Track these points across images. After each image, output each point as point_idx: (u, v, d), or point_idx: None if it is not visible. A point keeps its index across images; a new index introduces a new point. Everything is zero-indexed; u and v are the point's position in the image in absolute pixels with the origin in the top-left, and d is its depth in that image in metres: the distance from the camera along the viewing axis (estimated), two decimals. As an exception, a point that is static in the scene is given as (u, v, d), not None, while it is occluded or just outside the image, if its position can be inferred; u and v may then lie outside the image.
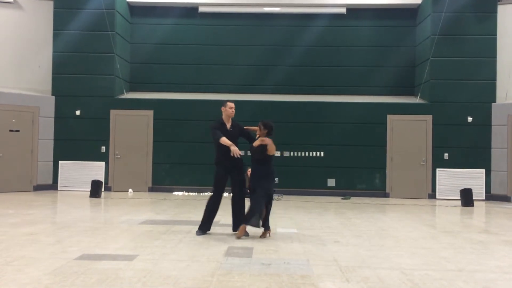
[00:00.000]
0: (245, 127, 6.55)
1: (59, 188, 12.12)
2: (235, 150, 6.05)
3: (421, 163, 12.01)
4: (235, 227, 6.33)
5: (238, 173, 6.33)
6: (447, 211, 9.65)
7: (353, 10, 13.02)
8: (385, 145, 12.14)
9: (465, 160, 11.87)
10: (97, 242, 5.63)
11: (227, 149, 6.13)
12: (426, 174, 11.98)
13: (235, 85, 12.95)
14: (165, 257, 4.93)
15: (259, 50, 13.16)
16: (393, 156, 12.11)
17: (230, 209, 6.43)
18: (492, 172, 11.78)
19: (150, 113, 12.37)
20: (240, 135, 6.48)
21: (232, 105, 6.46)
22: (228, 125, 6.39)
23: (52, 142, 12.24)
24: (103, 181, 11.63)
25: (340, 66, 13.06)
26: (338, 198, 11.57)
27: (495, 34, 11.95)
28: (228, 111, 6.40)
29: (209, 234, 6.35)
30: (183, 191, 12.08)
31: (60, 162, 12.17)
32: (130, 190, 12.08)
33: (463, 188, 10.81)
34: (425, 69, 12.18)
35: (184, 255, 5.03)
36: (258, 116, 6.35)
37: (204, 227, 6.34)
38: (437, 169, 11.92)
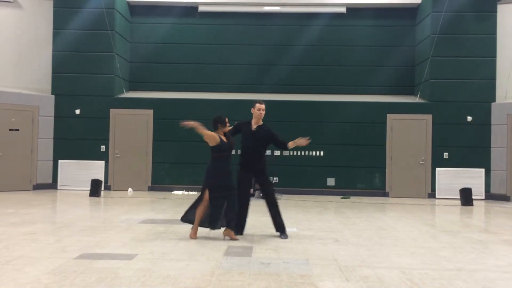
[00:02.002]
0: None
1: (58, 187, 12.12)
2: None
3: (421, 162, 12.01)
4: (277, 228, 6.24)
5: (262, 176, 6.22)
6: (447, 211, 9.65)
7: (353, 10, 13.02)
8: (385, 145, 12.14)
9: (464, 159, 11.87)
10: (96, 242, 5.63)
11: (246, 148, 6.10)
12: (426, 173, 11.98)
13: (235, 84, 12.95)
14: (165, 256, 4.93)
15: (259, 49, 13.17)
16: (392, 156, 12.11)
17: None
18: (491, 171, 11.78)
19: (150, 112, 12.37)
20: (267, 140, 6.18)
21: (261, 106, 6.18)
22: (254, 126, 6.21)
23: (51, 141, 12.24)
24: (102, 180, 11.64)
25: (340, 65, 13.06)
26: (337, 198, 11.58)
27: (495, 34, 11.96)
28: (256, 113, 6.18)
29: (209, 233, 6.35)
30: (182, 190, 12.09)
31: (59, 161, 12.17)
32: (130, 189, 12.08)
33: (462, 187, 10.81)
34: (424, 68, 12.18)
35: (183, 255, 5.03)
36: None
37: (238, 228, 6.18)
38: (437, 169, 11.92)
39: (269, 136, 6.21)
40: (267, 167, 6.31)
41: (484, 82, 11.95)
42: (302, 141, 5.99)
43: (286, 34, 13.15)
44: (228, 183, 5.91)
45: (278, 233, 6.26)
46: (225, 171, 5.93)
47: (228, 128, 6.07)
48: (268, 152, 12.14)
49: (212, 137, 5.86)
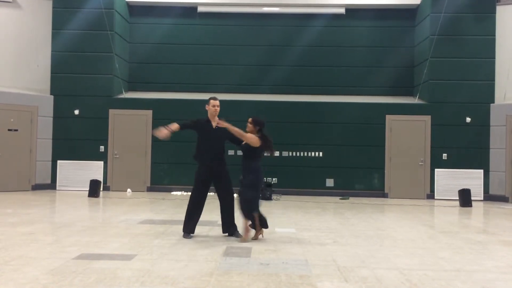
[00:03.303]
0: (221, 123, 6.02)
1: (57, 188, 12.11)
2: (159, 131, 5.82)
3: (420, 163, 12.02)
4: (227, 228, 6.22)
5: (224, 173, 6.15)
6: (446, 212, 9.66)
7: (352, 10, 13.03)
8: (384, 145, 12.15)
9: (463, 160, 11.89)
10: (95, 242, 5.62)
11: (207, 148, 6.03)
12: (425, 174, 11.99)
13: (233, 85, 12.95)
14: (164, 256, 4.93)
15: (258, 50, 13.17)
16: (391, 156, 12.12)
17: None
18: (490, 172, 11.80)
19: (149, 112, 12.37)
20: (227, 136, 6.10)
21: (215, 103, 6.10)
22: (214, 124, 6.10)
23: (50, 141, 12.23)
24: (101, 180, 11.63)
25: (339, 66, 13.07)
26: (336, 198, 11.58)
27: (494, 35, 11.97)
28: (211, 110, 6.10)
29: (208, 234, 6.35)
30: (181, 190, 12.07)
31: (58, 161, 12.16)
32: (129, 189, 12.06)
33: (461, 188, 10.81)
34: (424, 69, 12.19)
35: (182, 255, 5.02)
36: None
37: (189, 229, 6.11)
38: (436, 170, 11.93)
39: (227, 132, 6.06)
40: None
41: (483, 83, 11.96)
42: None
43: (285, 35, 13.16)
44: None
45: (226, 234, 6.22)
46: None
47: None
48: (267, 153, 12.14)
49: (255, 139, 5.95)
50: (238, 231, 6.16)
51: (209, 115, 6.17)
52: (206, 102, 6.22)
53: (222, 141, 6.18)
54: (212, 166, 6.08)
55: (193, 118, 6.37)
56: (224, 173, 6.15)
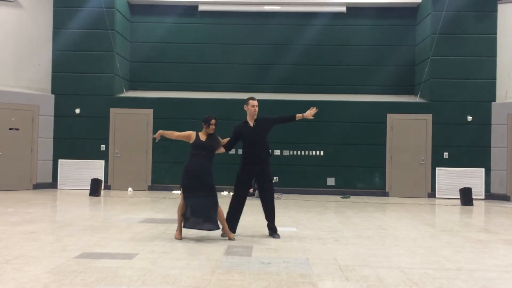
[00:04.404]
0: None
1: (58, 187, 12.12)
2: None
3: (421, 162, 12.01)
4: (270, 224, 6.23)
5: (266, 169, 6.13)
6: (447, 210, 9.65)
7: (353, 9, 13.02)
8: (385, 144, 12.14)
9: (464, 159, 11.88)
10: (96, 241, 5.63)
11: (249, 148, 6.02)
12: (426, 173, 11.98)
13: (235, 84, 12.95)
14: (165, 255, 4.93)
15: (259, 48, 13.17)
16: (392, 155, 12.11)
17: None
18: (491, 171, 11.78)
19: (150, 111, 12.37)
20: (269, 126, 6.15)
21: (254, 103, 6.12)
22: (251, 123, 6.14)
23: (51, 140, 12.24)
24: (102, 179, 11.64)
25: (340, 65, 13.07)
26: (337, 197, 11.58)
27: (495, 33, 11.95)
28: (250, 110, 6.13)
29: (209, 233, 6.34)
30: (182, 189, 12.07)
31: (60, 160, 12.17)
32: (130, 188, 12.08)
33: (462, 187, 10.80)
34: (425, 68, 12.18)
35: (183, 254, 5.03)
36: (258, 114, 6.23)
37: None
38: (437, 168, 11.92)
39: (271, 120, 6.19)
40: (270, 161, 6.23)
41: (484, 81, 11.94)
42: (310, 113, 6.17)
43: (286, 33, 13.15)
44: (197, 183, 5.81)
45: (282, 232, 6.27)
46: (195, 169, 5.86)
47: (212, 128, 5.93)
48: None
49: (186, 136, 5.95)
50: (274, 230, 6.15)
51: (248, 115, 6.18)
52: (245, 102, 6.23)
53: (264, 133, 6.14)
54: (255, 166, 6.06)
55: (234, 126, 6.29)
56: (265, 171, 6.12)
